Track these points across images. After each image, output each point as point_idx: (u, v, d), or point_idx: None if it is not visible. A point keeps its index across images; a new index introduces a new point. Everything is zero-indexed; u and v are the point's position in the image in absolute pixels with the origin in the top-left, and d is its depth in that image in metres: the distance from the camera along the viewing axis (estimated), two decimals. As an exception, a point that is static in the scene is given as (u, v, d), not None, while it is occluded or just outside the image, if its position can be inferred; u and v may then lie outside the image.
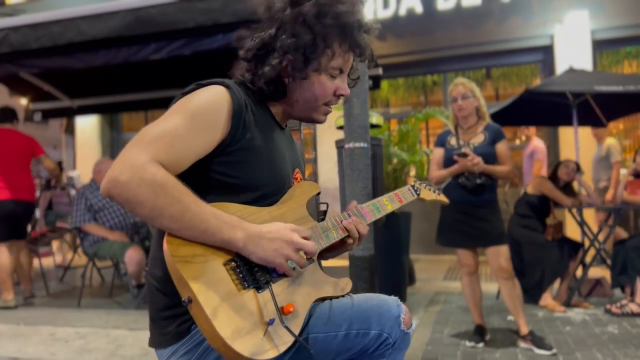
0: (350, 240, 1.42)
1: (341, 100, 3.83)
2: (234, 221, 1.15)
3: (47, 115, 7.58)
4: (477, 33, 7.69)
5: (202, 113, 1.19)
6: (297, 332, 1.15)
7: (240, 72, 1.37)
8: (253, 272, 1.15)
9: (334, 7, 1.28)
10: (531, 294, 4.37)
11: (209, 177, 1.24)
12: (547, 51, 7.48)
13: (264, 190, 1.28)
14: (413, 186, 1.76)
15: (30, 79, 6.39)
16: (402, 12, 7.94)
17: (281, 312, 1.13)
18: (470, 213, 3.32)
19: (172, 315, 1.21)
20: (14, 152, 4.94)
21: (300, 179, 1.48)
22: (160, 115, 1.22)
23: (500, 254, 3.26)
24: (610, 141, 6.36)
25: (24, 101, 7.44)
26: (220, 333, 1.02)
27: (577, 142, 5.37)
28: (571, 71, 5.10)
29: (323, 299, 1.32)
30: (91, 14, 4.25)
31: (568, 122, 5.48)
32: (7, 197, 4.76)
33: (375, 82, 6.06)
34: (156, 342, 1.27)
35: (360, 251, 3.66)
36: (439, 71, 8.33)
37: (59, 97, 7.04)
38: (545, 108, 5.36)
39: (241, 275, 1.13)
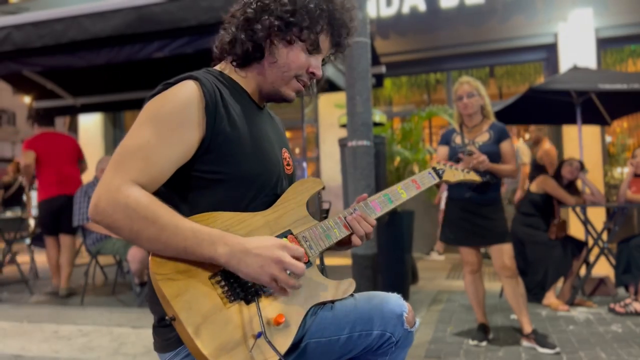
0: (355, 239, 1.37)
1: (344, 99, 3.83)
2: (215, 236, 1.09)
3: (51, 113, 7.59)
4: (480, 31, 7.67)
5: (173, 116, 1.15)
6: (289, 342, 1.12)
7: (218, 42, 1.36)
8: (241, 284, 1.11)
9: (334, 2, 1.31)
10: (534, 293, 4.36)
11: (197, 177, 1.21)
12: (551, 49, 7.44)
13: (257, 179, 1.25)
14: (434, 168, 1.67)
15: (34, 77, 6.40)
16: (405, 10, 7.92)
17: (271, 323, 1.10)
18: (474, 211, 3.31)
19: (169, 324, 1.18)
20: (67, 151, 5.41)
21: (288, 158, 1.43)
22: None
23: (503, 252, 3.25)
24: (518, 144, 6.42)
25: (27, 99, 7.44)
26: (202, 351, 1.00)
27: (581, 141, 5.34)
28: (575, 69, 5.08)
29: (323, 303, 1.28)
30: (94, 12, 4.25)
31: (572, 121, 5.45)
32: (60, 192, 5.16)
33: (379, 80, 6.05)
34: (159, 347, 1.25)
35: (363, 250, 3.67)
36: (442, 69, 8.30)
37: (62, 95, 7.04)
38: (549, 106, 5.33)
39: (226, 289, 1.09)
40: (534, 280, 4.39)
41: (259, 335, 1.07)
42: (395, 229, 4.40)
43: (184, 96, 1.17)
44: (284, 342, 1.11)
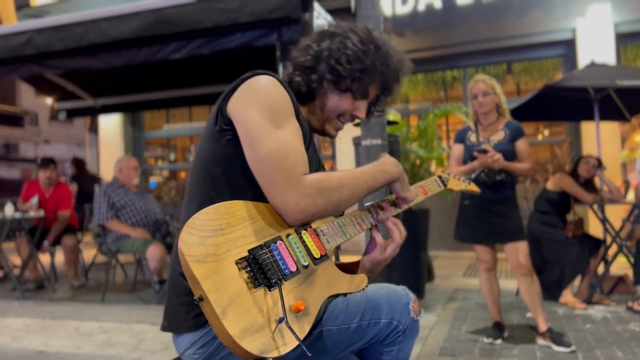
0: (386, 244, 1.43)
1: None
2: (377, 167, 1.38)
3: (72, 114, 7.76)
4: (497, 27, 7.62)
5: (285, 108, 1.29)
6: (307, 330, 1.16)
7: (286, 73, 1.50)
8: (264, 271, 1.15)
9: (390, 54, 1.46)
10: (551, 291, 4.34)
11: None
12: (569, 45, 7.37)
13: None
14: (440, 177, 1.77)
15: (55, 79, 6.54)
16: (421, 7, 7.90)
17: (292, 310, 1.14)
18: (489, 209, 3.31)
19: (192, 302, 1.22)
20: None
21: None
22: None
23: (518, 250, 3.25)
24: None
25: (49, 101, 7.62)
26: (229, 331, 1.04)
27: (599, 138, 5.29)
28: (592, 65, 5.02)
29: (337, 295, 1.33)
30: (112, 15, 4.34)
31: (590, 117, 5.40)
32: None
33: (394, 78, 6.05)
34: (172, 326, 1.31)
35: (378, 248, 3.68)
36: (459, 66, 8.27)
37: (82, 96, 7.18)
38: (567, 103, 5.29)
39: (252, 274, 1.14)
40: (550, 278, 4.36)
41: (280, 320, 1.11)
42: (410, 227, 4.38)
43: (281, 89, 1.30)
44: (303, 329, 1.15)
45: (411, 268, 4.48)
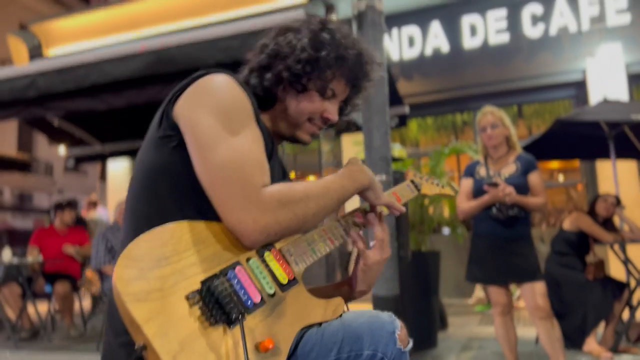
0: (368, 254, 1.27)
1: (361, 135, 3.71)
2: (345, 175, 1.20)
3: (80, 160, 7.76)
4: (506, 70, 7.56)
5: (239, 115, 1.12)
6: None
7: (241, 76, 1.34)
8: (222, 305, 0.96)
9: (348, 45, 1.30)
10: (573, 339, 4.03)
11: None
12: (580, 86, 7.25)
13: None
14: (413, 181, 1.59)
15: (63, 126, 6.54)
16: (428, 51, 7.90)
17: (258, 349, 0.96)
18: (503, 247, 3.11)
19: (130, 342, 1.02)
20: None
21: None
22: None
23: (535, 291, 3.02)
24: None
25: (62, 150, 7.63)
26: None
27: (616, 176, 5.07)
28: (605, 102, 4.88)
29: (311, 326, 1.14)
30: (115, 57, 4.33)
31: (605, 155, 5.21)
32: None
33: (402, 120, 5.96)
34: None
35: (385, 291, 3.46)
36: (468, 109, 8.17)
37: (90, 142, 7.18)
38: (581, 140, 5.11)
39: (207, 310, 0.95)
40: (572, 325, 4.06)
41: None
42: (419, 270, 4.18)
43: (239, 89, 1.15)
44: None
45: (422, 314, 4.22)
